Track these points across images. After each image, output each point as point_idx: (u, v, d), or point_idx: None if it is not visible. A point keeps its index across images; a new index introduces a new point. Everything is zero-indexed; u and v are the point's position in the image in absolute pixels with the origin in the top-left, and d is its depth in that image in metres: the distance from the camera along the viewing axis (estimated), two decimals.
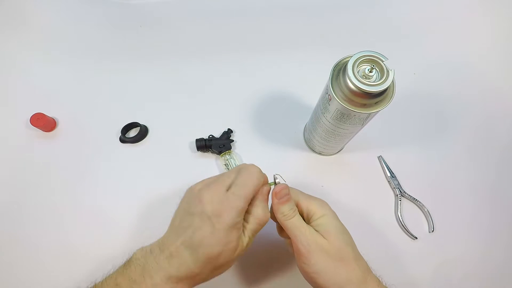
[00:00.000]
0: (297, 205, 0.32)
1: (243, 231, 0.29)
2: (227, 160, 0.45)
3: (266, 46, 0.56)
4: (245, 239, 0.29)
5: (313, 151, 0.47)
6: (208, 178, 0.31)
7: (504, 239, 0.43)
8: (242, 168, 0.31)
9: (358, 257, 0.29)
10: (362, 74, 0.30)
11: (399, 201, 0.44)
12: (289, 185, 0.32)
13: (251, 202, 0.30)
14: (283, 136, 0.48)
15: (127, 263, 0.29)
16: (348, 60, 0.29)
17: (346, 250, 0.29)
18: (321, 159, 0.47)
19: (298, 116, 0.49)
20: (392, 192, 0.45)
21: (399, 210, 0.44)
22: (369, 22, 0.59)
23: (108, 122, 0.48)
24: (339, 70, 0.31)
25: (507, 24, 0.58)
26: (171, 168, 0.46)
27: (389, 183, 0.46)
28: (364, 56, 0.29)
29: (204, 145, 0.46)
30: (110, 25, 0.58)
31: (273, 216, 0.32)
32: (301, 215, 0.31)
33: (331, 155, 0.47)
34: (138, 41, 0.56)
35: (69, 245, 0.42)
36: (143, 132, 0.48)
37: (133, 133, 0.48)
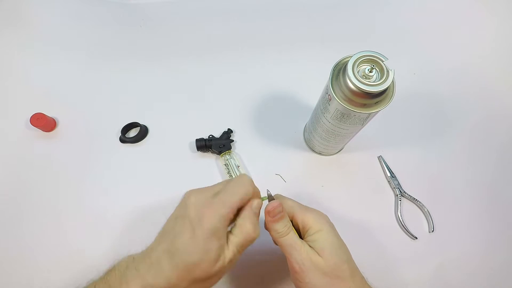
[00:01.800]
0: (292, 218, 0.31)
1: (227, 242, 0.27)
2: (227, 160, 0.45)
3: (266, 46, 0.56)
4: (229, 253, 0.27)
5: (313, 151, 0.47)
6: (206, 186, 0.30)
7: (504, 239, 0.43)
8: (235, 177, 0.30)
9: (354, 273, 0.29)
10: (362, 74, 0.30)
11: (399, 201, 0.44)
12: (283, 193, 0.32)
13: (240, 214, 0.28)
14: (283, 136, 0.48)
15: (110, 269, 0.28)
16: (348, 60, 0.29)
17: (342, 267, 0.28)
18: (321, 159, 0.47)
19: (298, 116, 0.49)
20: (392, 192, 0.45)
21: (399, 210, 0.44)
22: (369, 22, 0.59)
23: (108, 122, 0.48)
24: (339, 70, 0.31)
25: (507, 24, 0.58)
26: (171, 168, 0.46)
27: (389, 183, 0.46)
28: (364, 56, 0.29)
29: (204, 145, 0.46)
30: (110, 25, 0.58)
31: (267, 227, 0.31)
32: (297, 227, 0.31)
33: (331, 155, 0.47)
34: (138, 41, 0.56)
35: (68, 245, 0.42)
36: (143, 132, 0.48)
37: (133, 133, 0.48)
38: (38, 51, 0.54)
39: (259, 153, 0.47)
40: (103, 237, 0.42)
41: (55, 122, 0.48)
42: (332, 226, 0.30)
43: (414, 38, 0.57)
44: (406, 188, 0.45)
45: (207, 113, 0.50)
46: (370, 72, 0.30)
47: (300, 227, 0.30)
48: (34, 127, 0.46)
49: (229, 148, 0.46)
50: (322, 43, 0.56)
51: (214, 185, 0.30)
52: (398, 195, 0.44)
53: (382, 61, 0.29)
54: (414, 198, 0.44)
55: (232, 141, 0.47)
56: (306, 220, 0.30)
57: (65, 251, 0.41)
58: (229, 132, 0.47)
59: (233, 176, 0.44)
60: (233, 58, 0.55)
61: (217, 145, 0.45)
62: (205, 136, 0.47)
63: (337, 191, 0.45)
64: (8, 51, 0.54)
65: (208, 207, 0.26)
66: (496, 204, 0.45)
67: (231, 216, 0.27)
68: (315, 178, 0.46)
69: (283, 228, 0.29)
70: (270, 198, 0.32)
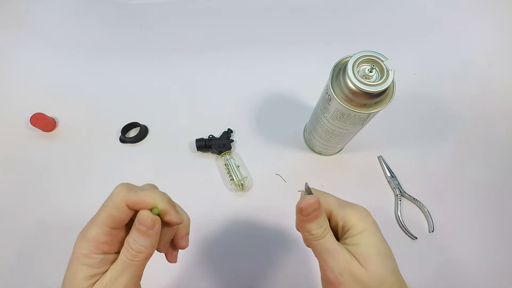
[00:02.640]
0: (330, 216, 0.25)
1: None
2: (227, 160, 0.45)
3: (266, 46, 0.56)
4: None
5: (313, 151, 0.47)
6: None
7: (504, 239, 0.43)
8: None
9: (402, 286, 0.23)
10: (362, 74, 0.30)
11: (399, 201, 0.44)
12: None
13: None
14: (283, 136, 0.48)
15: None
16: (348, 60, 0.29)
17: (389, 280, 0.22)
18: (321, 159, 0.47)
19: (298, 116, 0.49)
20: (392, 192, 0.45)
21: (399, 210, 0.44)
22: (369, 22, 0.59)
23: (108, 122, 0.48)
24: (339, 70, 0.31)
25: (507, 24, 0.58)
26: (171, 168, 0.46)
27: (389, 183, 0.46)
28: (364, 56, 0.29)
29: (204, 145, 0.46)
30: (110, 25, 0.58)
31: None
32: (334, 227, 0.25)
33: (331, 155, 0.47)
34: (138, 41, 0.56)
35: (68, 246, 0.42)
36: (143, 132, 0.48)
37: (133, 133, 0.48)
38: (38, 51, 0.54)
39: (259, 153, 0.47)
40: None
41: (55, 122, 0.48)
42: (377, 226, 0.24)
43: (414, 38, 0.57)
44: (406, 188, 0.45)
45: (207, 113, 0.50)
46: (370, 72, 0.29)
47: (339, 226, 0.25)
48: (34, 127, 0.46)
49: (229, 148, 0.46)
50: (322, 43, 0.56)
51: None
52: (398, 195, 0.44)
53: (382, 61, 0.29)
54: (414, 198, 0.44)
55: (232, 141, 0.47)
56: (347, 218, 0.24)
57: (64, 251, 0.41)
58: (229, 132, 0.47)
59: (233, 176, 0.44)
60: (234, 58, 0.55)
61: (217, 145, 0.45)
62: (205, 136, 0.47)
63: (337, 191, 0.44)
64: (8, 51, 0.54)
65: (76, 245, 0.22)
66: (497, 204, 0.45)
67: (103, 239, 0.22)
68: (315, 178, 0.46)
69: (318, 229, 0.23)
70: (308, 191, 0.26)
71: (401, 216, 0.43)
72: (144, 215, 0.21)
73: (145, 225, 0.21)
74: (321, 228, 0.23)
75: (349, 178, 0.46)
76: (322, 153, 0.47)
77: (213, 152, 0.46)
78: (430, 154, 0.48)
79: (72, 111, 0.50)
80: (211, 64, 0.54)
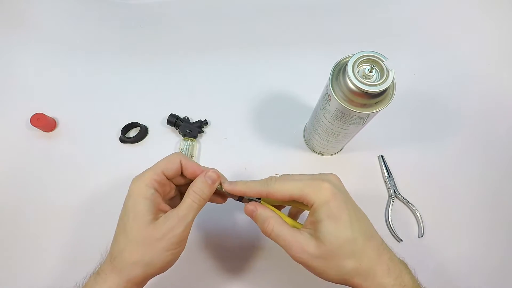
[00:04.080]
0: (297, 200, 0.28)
1: (158, 217, 0.27)
2: (187, 145, 0.45)
3: (266, 46, 0.56)
4: (165, 223, 0.27)
5: (313, 151, 0.47)
6: None
7: (493, 253, 0.43)
8: None
9: (366, 245, 0.26)
10: (362, 74, 0.30)
11: (391, 201, 0.44)
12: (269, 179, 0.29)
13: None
14: (283, 136, 0.48)
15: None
16: (348, 60, 0.29)
17: (350, 247, 0.25)
18: (321, 159, 0.47)
19: (298, 116, 0.49)
20: (387, 193, 0.45)
21: (389, 211, 0.44)
22: (370, 22, 0.59)
23: (108, 122, 0.48)
24: (339, 70, 0.31)
25: (507, 24, 0.58)
26: None
27: (386, 184, 0.46)
28: (364, 56, 0.29)
29: (174, 122, 0.46)
30: (110, 25, 0.58)
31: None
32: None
33: (331, 155, 0.47)
34: (138, 41, 0.56)
35: (68, 246, 0.42)
36: (143, 132, 0.48)
37: (133, 133, 0.48)
38: (38, 51, 0.54)
39: (259, 153, 0.47)
40: (103, 237, 0.42)
41: (55, 122, 0.48)
42: (335, 195, 0.26)
43: (414, 38, 0.57)
44: (402, 190, 0.45)
45: (207, 113, 0.50)
46: (370, 72, 0.30)
47: (308, 206, 0.27)
48: (34, 127, 0.46)
49: (195, 136, 0.46)
50: (322, 43, 0.56)
51: None
52: (392, 196, 0.44)
53: (382, 61, 0.29)
54: (408, 201, 0.44)
55: (202, 132, 0.47)
56: (307, 198, 0.26)
57: (64, 251, 0.41)
58: (203, 122, 0.48)
59: None
60: (233, 58, 0.55)
61: (185, 127, 0.46)
62: (183, 116, 0.48)
63: None
64: (8, 51, 0.54)
65: (133, 183, 0.28)
66: (492, 218, 0.44)
67: (156, 179, 0.28)
68: None
69: (262, 224, 0.28)
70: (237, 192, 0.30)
71: (390, 217, 0.43)
72: (212, 173, 0.29)
73: (211, 180, 0.28)
74: (264, 223, 0.28)
75: (349, 178, 0.45)
76: (322, 153, 0.47)
77: (179, 132, 0.47)
78: (430, 154, 0.48)
79: (72, 111, 0.50)
80: (211, 64, 0.54)
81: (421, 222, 0.43)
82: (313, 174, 0.29)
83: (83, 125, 0.49)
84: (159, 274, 0.27)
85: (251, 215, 0.29)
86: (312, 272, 0.27)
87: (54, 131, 0.48)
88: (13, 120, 0.48)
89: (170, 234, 0.26)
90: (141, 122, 0.48)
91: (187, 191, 0.28)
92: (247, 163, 0.46)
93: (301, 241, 0.26)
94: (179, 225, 0.26)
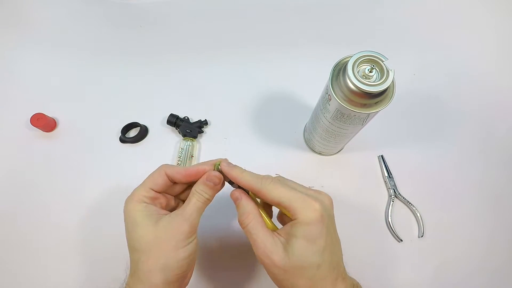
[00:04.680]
0: (279, 204, 0.27)
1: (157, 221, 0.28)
2: (187, 145, 0.45)
3: (266, 46, 0.56)
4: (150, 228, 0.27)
5: (313, 151, 0.47)
6: None
7: (495, 253, 0.43)
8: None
9: (327, 274, 0.26)
10: (362, 74, 0.30)
11: (391, 201, 0.44)
12: (266, 177, 0.28)
13: None
14: (283, 136, 0.48)
15: None
16: (348, 60, 0.29)
17: (311, 271, 0.25)
18: (321, 159, 0.47)
19: (298, 116, 0.49)
20: (387, 193, 0.45)
21: (389, 211, 0.44)
22: (370, 22, 0.59)
23: (108, 122, 0.48)
24: (339, 70, 0.31)
25: (507, 24, 0.58)
26: None
27: (386, 184, 0.46)
28: (364, 56, 0.29)
29: (174, 122, 0.46)
30: (110, 25, 0.58)
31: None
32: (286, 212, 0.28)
33: (331, 155, 0.47)
34: (138, 41, 0.56)
35: (68, 246, 0.42)
36: (143, 132, 0.48)
37: (133, 133, 0.48)
38: (38, 51, 0.54)
39: (259, 153, 0.47)
40: (103, 237, 0.42)
41: (55, 122, 0.48)
42: (323, 219, 0.26)
43: (414, 38, 0.57)
44: (402, 190, 0.45)
45: (207, 112, 0.50)
46: (370, 72, 0.30)
47: (290, 214, 0.27)
48: (34, 127, 0.46)
49: (195, 136, 0.46)
50: (322, 43, 0.56)
51: None
52: (392, 196, 0.44)
53: (382, 61, 0.29)
54: (408, 201, 0.44)
55: (202, 132, 0.48)
56: (291, 209, 0.26)
57: (64, 251, 0.41)
58: (203, 123, 0.48)
59: (181, 163, 0.45)
60: (233, 58, 0.55)
61: (185, 127, 0.46)
62: (183, 116, 0.48)
63: (337, 191, 0.45)
64: (8, 51, 0.54)
65: (126, 204, 0.29)
66: (492, 218, 0.44)
67: (146, 195, 0.29)
68: (315, 178, 0.46)
69: (241, 216, 0.28)
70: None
71: (390, 217, 0.43)
72: (214, 177, 0.28)
73: (213, 183, 0.28)
74: (243, 215, 0.28)
75: (349, 178, 0.46)
76: (322, 153, 0.47)
77: (179, 132, 0.47)
78: (430, 154, 0.48)
79: (72, 111, 0.50)
80: (211, 64, 0.54)
81: (421, 222, 0.43)
82: (308, 188, 0.29)
83: (83, 125, 0.49)
84: (181, 279, 0.28)
85: (235, 201, 0.29)
86: (269, 275, 0.27)
87: (54, 131, 0.48)
88: (13, 120, 0.48)
89: (176, 231, 0.26)
90: (141, 122, 0.48)
91: (191, 191, 0.29)
92: (247, 163, 0.46)
93: (269, 246, 0.26)
94: (184, 223, 0.27)
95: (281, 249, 0.26)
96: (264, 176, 0.29)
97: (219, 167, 0.29)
